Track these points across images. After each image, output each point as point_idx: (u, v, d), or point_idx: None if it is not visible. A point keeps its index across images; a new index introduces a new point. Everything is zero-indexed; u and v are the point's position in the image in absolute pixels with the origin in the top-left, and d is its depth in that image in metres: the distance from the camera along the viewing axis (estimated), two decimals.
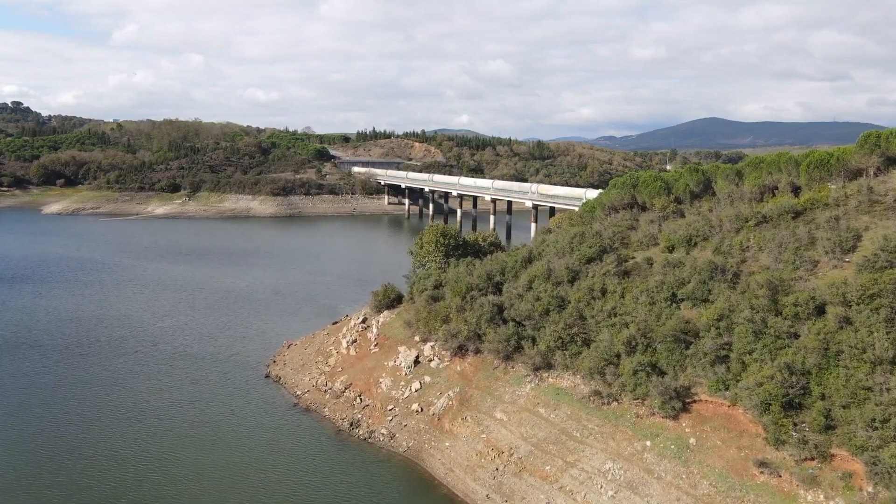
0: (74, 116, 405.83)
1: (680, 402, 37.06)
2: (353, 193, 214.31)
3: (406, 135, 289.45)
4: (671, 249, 51.41)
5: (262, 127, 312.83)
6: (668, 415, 37.11)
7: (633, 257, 52.51)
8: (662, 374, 39.06)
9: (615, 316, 44.64)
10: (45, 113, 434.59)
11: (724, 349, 37.08)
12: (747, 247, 46.62)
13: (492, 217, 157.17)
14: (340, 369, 55.12)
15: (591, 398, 40.82)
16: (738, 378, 35.66)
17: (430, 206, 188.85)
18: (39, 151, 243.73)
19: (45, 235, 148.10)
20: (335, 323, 69.65)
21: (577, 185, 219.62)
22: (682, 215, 59.67)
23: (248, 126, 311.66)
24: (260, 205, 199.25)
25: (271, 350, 67.10)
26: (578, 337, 45.15)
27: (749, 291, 39.03)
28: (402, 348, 53.49)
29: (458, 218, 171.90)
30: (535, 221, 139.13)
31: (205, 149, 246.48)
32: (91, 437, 47.74)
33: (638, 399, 38.90)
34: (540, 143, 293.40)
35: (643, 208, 65.92)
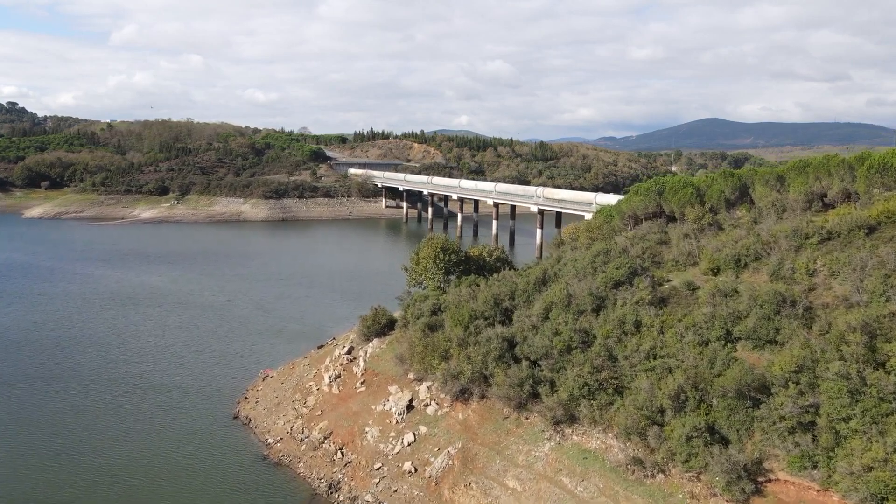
0: (70, 117, 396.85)
1: (751, 482, 28.45)
2: (348, 196, 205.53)
3: (405, 135, 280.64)
4: (716, 271, 42.89)
5: (260, 127, 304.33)
6: (734, 498, 28.51)
7: (669, 280, 43.98)
8: (724, 440, 30.43)
9: (655, 358, 36.04)
10: (43, 114, 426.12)
11: (808, 412, 28.46)
12: (814, 271, 38.12)
13: (494, 222, 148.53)
14: (320, 412, 46.49)
15: (630, 467, 32.20)
16: (831, 454, 27.07)
17: (430, 209, 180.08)
18: (25, 152, 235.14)
19: (20, 242, 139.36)
20: (321, 347, 61.33)
21: (582, 188, 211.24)
22: (720, 227, 51.37)
23: (245, 126, 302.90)
24: (251, 208, 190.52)
25: (245, 380, 58.53)
26: (609, 383, 36.53)
27: (833, 333, 30.44)
28: (393, 388, 44.89)
29: (459, 222, 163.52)
30: (541, 227, 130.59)
31: (197, 150, 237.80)
32: (17, 494, 39.17)
33: (692, 473, 30.29)
34: (542, 144, 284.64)
35: (671, 218, 57.85)
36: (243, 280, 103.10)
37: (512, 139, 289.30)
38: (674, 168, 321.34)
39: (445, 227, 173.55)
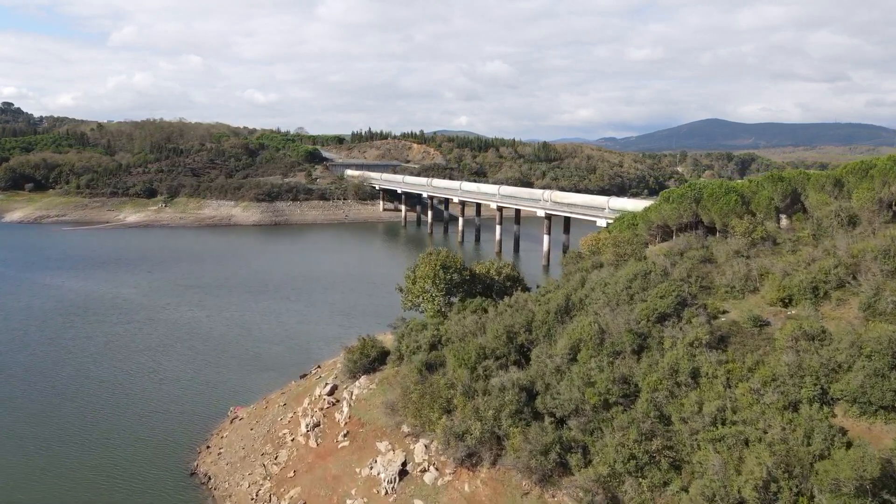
0: (67, 118, 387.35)
1: None
2: (345, 199, 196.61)
3: (404, 136, 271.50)
4: (786, 302, 34.26)
5: (258, 128, 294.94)
6: None
7: (725, 311, 35.40)
8: None
9: (724, 424, 27.39)
10: (42, 114, 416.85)
11: None
12: None
13: (497, 227, 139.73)
14: (293, 473, 37.78)
15: None
16: None
17: (430, 212, 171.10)
18: (10, 153, 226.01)
19: None
20: (303, 376, 52.93)
21: (588, 189, 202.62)
22: (774, 242, 42.83)
23: (243, 127, 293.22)
24: (242, 212, 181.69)
25: (212, 420, 50.02)
26: (663, 456, 27.89)
27: None
28: (382, 445, 36.22)
29: (460, 227, 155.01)
30: (549, 233, 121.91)
31: (188, 150, 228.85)
32: None
33: None
34: (546, 145, 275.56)
35: (710, 230, 49.56)
36: (225, 293, 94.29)
37: (514, 140, 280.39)
38: (679, 169, 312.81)
39: (446, 231, 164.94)
